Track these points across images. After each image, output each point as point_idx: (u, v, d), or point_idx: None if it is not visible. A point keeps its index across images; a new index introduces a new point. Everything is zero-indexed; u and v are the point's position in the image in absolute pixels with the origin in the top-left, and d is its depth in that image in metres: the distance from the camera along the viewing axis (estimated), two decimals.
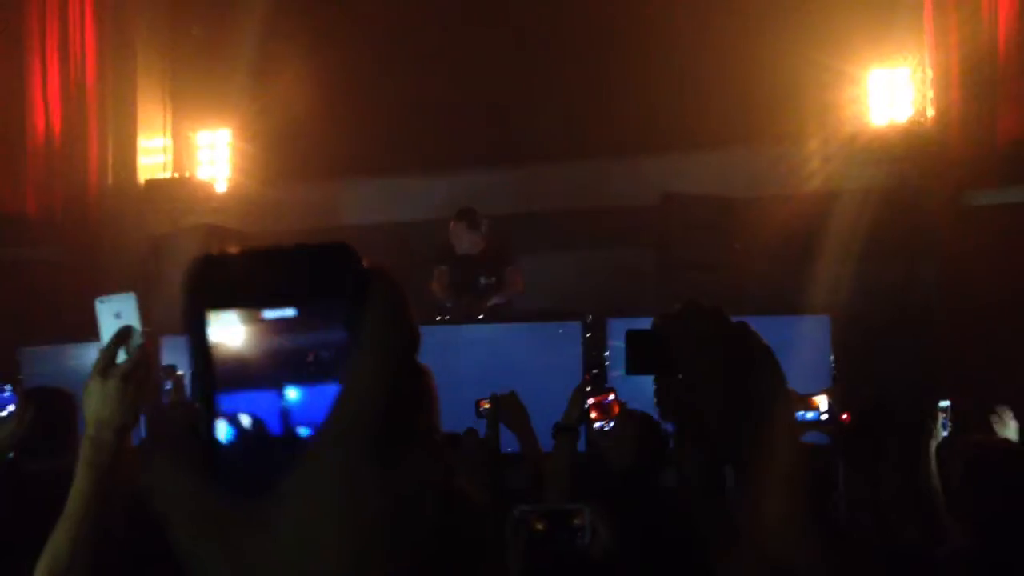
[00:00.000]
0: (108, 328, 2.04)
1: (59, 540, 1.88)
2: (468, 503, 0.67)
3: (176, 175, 9.71)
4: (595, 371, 4.83)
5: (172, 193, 9.38)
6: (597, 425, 4.28)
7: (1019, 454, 3.55)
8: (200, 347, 0.66)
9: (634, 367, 1.40)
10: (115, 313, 2.05)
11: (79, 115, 9.27)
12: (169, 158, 9.81)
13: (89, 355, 6.65)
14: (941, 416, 4.19)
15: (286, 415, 0.66)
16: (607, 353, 6.52)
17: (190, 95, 9.71)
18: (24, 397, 3.12)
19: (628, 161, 8.48)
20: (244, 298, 0.66)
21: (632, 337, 1.40)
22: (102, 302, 2.06)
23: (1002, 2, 7.30)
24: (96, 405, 1.95)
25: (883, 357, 6.83)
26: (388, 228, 8.59)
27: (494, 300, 7.38)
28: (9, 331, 7.53)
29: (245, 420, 0.66)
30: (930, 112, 7.78)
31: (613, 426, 4.16)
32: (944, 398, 4.62)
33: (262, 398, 0.66)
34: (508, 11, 8.98)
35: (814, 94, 8.07)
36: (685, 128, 8.18)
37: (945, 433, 3.83)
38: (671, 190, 7.90)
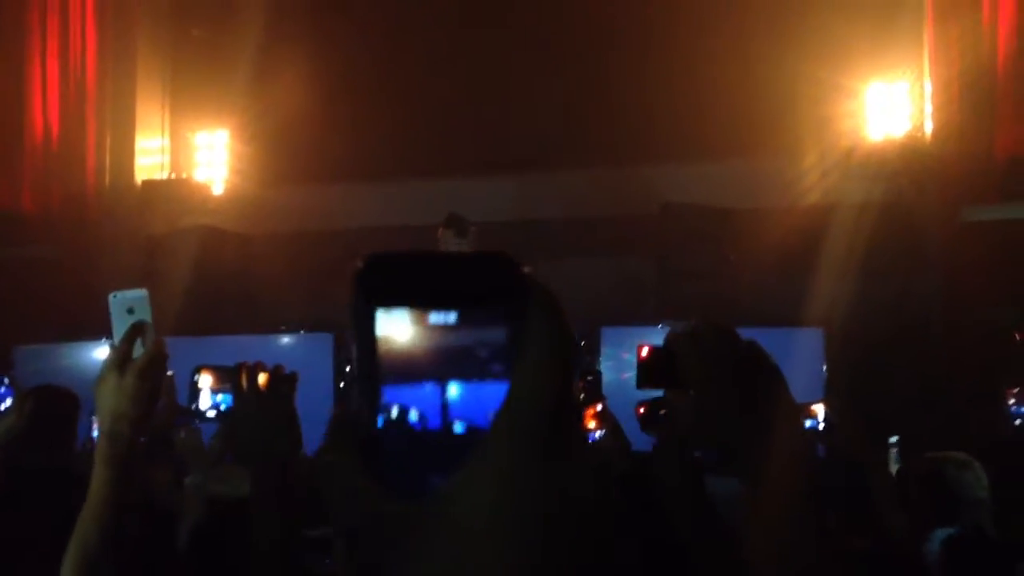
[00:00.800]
0: (120, 323, 2.05)
1: (87, 536, 1.88)
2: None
3: (174, 176, 9.70)
4: (589, 377, 4.83)
5: (169, 194, 9.38)
6: (597, 434, 4.27)
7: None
8: (368, 342, 0.69)
9: (644, 381, 1.48)
10: (128, 308, 2.07)
11: (78, 114, 9.28)
12: (167, 159, 9.80)
13: (84, 354, 6.64)
14: (893, 451, 4.29)
15: (446, 410, 0.69)
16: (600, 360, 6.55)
17: (189, 96, 9.71)
18: (21, 391, 3.12)
19: (627, 170, 8.49)
20: (412, 298, 0.70)
21: (643, 352, 1.48)
22: (115, 297, 2.08)
23: (1002, 18, 7.33)
24: (112, 400, 1.96)
25: (879, 370, 6.84)
26: (386, 232, 8.59)
27: None
28: (5, 329, 7.53)
29: (412, 414, 0.69)
30: (928, 127, 7.80)
31: (604, 435, 4.16)
32: (896, 433, 4.70)
33: (424, 393, 0.69)
34: (509, 18, 9.00)
35: (812, 107, 8.08)
36: (684, 138, 8.19)
37: (897, 465, 3.90)
38: (670, 200, 7.92)
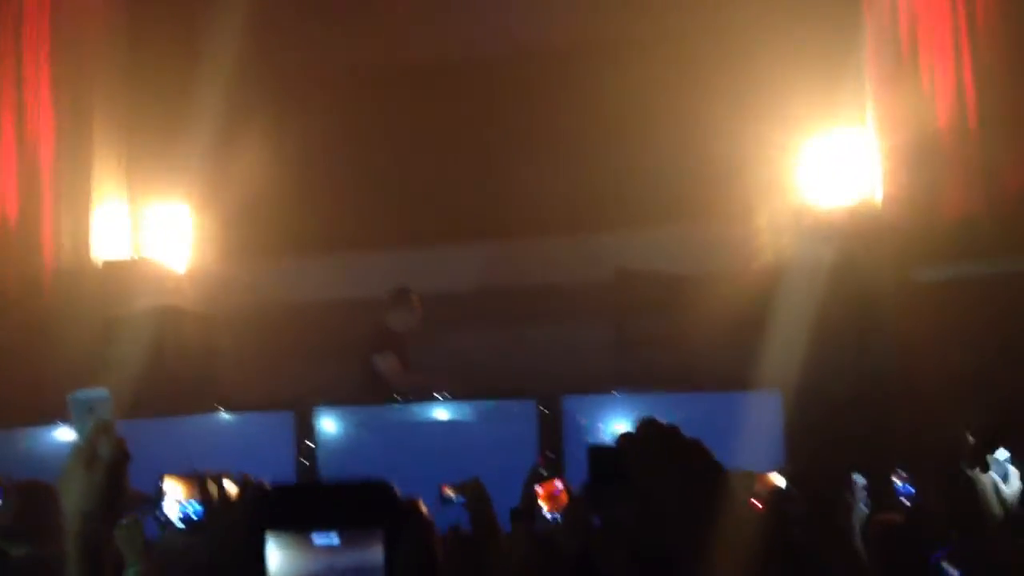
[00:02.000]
0: (81, 422, 2.06)
1: None
2: None
3: (133, 255, 9.64)
4: (550, 454, 4.85)
5: (129, 274, 9.30)
6: (548, 515, 4.29)
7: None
8: (258, 567, 0.78)
9: (597, 479, 1.56)
10: (88, 408, 2.08)
11: (34, 196, 9.21)
12: (126, 237, 9.75)
13: (39, 439, 6.54)
14: (861, 493, 4.28)
15: None
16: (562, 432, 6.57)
17: (147, 173, 9.69)
18: (10, 487, 3.15)
19: (580, 237, 8.57)
20: (298, 523, 0.78)
21: (593, 451, 1.55)
22: (76, 397, 2.09)
23: (941, 87, 7.50)
24: (82, 498, 1.98)
25: (835, 430, 6.89)
26: (347, 304, 8.61)
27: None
28: None
29: None
30: (876, 189, 7.93)
31: (563, 515, 4.17)
32: (863, 474, 4.69)
33: None
34: (465, 92, 9.12)
35: (761, 171, 8.20)
36: (636, 205, 8.29)
37: (865, 510, 3.93)
38: (623, 266, 7.99)
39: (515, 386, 7.30)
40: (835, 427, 6.88)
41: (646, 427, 1.50)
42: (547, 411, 6.86)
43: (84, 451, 2.02)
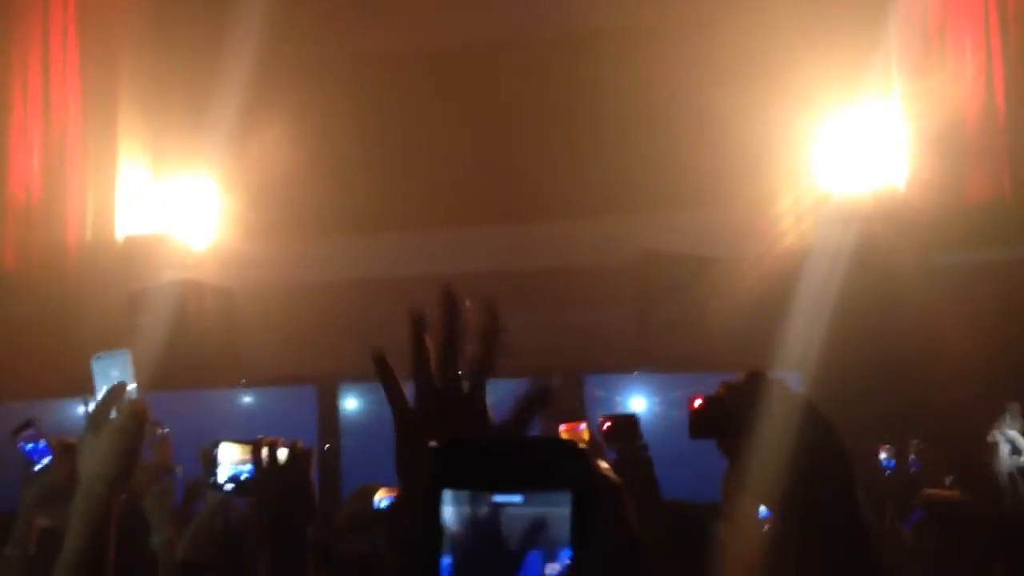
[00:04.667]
0: (104, 384, 2.09)
1: None
2: None
3: (157, 231, 9.67)
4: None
5: (151, 249, 9.34)
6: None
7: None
8: (434, 526, 0.76)
9: (697, 431, 1.54)
10: (110, 370, 2.12)
11: (59, 171, 9.25)
12: (150, 212, 9.77)
13: (67, 410, 6.61)
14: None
15: None
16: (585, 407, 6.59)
17: (172, 150, 9.70)
18: (62, 450, 3.11)
19: (606, 219, 8.56)
20: (479, 480, 0.77)
21: (696, 402, 1.55)
22: (98, 359, 2.15)
23: (969, 62, 7.50)
24: (90, 460, 1.98)
25: (856, 411, 6.90)
26: (368, 284, 8.62)
27: None
28: None
29: None
30: (900, 173, 7.93)
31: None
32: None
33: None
34: (489, 75, 9.11)
35: (785, 154, 8.20)
36: (662, 188, 8.28)
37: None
38: (649, 249, 7.99)
39: (537, 366, 7.29)
40: (855, 409, 6.90)
41: (752, 378, 1.47)
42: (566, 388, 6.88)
43: (94, 413, 2.04)
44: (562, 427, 4.43)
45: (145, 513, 4.12)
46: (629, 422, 4.07)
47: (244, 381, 7.63)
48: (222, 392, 7.58)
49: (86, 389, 2.20)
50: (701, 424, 1.53)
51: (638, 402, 7.07)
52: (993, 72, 7.44)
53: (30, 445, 3.39)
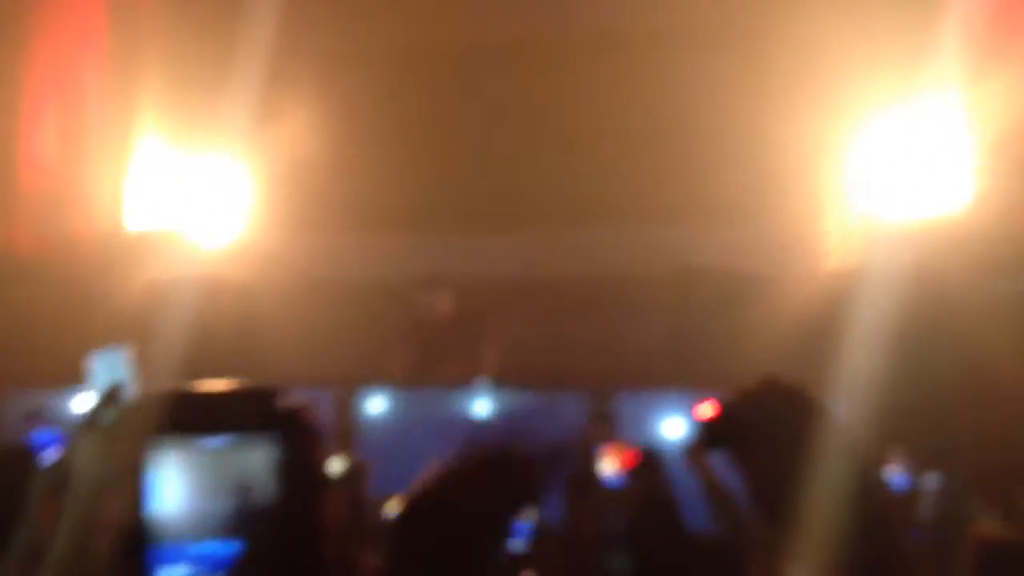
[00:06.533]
0: (102, 382, 2.08)
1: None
2: None
3: (172, 222, 9.53)
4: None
5: (168, 240, 9.21)
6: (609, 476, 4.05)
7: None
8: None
9: (709, 442, 1.54)
10: (108, 367, 2.10)
11: (77, 159, 9.18)
12: (168, 204, 9.63)
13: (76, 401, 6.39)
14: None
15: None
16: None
17: (193, 141, 9.56)
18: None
19: (645, 229, 8.37)
20: (188, 428, 1.05)
21: (707, 412, 1.54)
22: (97, 356, 2.13)
23: None
24: (82, 460, 1.97)
25: (906, 438, 6.66)
26: (395, 285, 8.42)
27: None
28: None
29: None
30: (958, 193, 7.61)
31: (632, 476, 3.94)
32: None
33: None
34: (525, 70, 8.95)
35: (834, 170, 7.95)
36: (704, 199, 8.08)
37: None
38: (686, 261, 7.79)
39: (566, 378, 7.08)
40: (903, 440, 6.65)
41: (766, 387, 1.54)
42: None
43: (90, 414, 2.03)
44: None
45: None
46: (648, 461, 3.81)
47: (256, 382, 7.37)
48: None
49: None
50: (713, 435, 1.51)
51: (673, 423, 6.78)
52: None
53: (39, 433, 3.48)
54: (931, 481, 6.60)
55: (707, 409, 1.50)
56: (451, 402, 6.83)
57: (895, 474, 6.17)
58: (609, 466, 4.13)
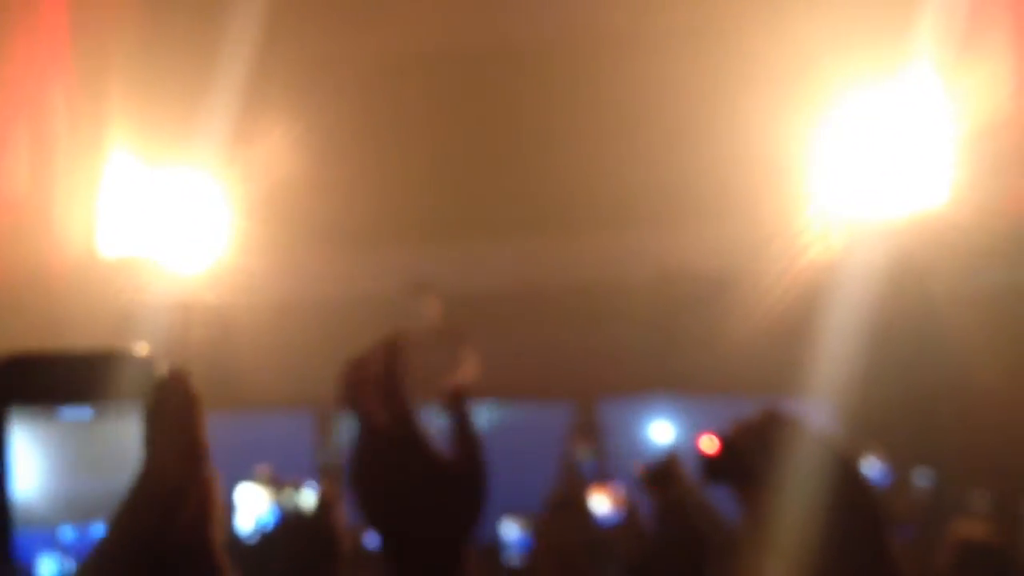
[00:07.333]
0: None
1: None
2: None
3: (145, 247, 9.40)
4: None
5: (141, 268, 9.08)
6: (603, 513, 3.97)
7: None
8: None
9: (712, 477, 1.42)
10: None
11: (46, 186, 9.03)
12: (142, 230, 9.50)
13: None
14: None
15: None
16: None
17: (166, 165, 9.44)
18: None
19: (623, 235, 8.28)
20: (44, 396, 0.73)
21: (709, 447, 1.43)
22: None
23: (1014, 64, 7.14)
24: None
25: (888, 434, 6.63)
26: (374, 301, 8.33)
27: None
28: None
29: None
30: (938, 188, 7.57)
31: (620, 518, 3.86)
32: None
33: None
34: (505, 88, 8.88)
35: (815, 170, 7.89)
36: (681, 201, 8.00)
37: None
38: (666, 266, 7.71)
39: (552, 388, 7.00)
40: (887, 437, 6.62)
41: (767, 420, 1.36)
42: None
43: None
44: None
45: None
46: (667, 466, 3.72)
47: (234, 406, 7.30)
48: (211, 417, 7.20)
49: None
50: (715, 472, 1.43)
51: (658, 427, 6.74)
52: None
53: None
54: (916, 476, 6.58)
55: (708, 444, 1.42)
56: (435, 418, 6.74)
57: (876, 468, 6.14)
58: (601, 505, 4.08)
